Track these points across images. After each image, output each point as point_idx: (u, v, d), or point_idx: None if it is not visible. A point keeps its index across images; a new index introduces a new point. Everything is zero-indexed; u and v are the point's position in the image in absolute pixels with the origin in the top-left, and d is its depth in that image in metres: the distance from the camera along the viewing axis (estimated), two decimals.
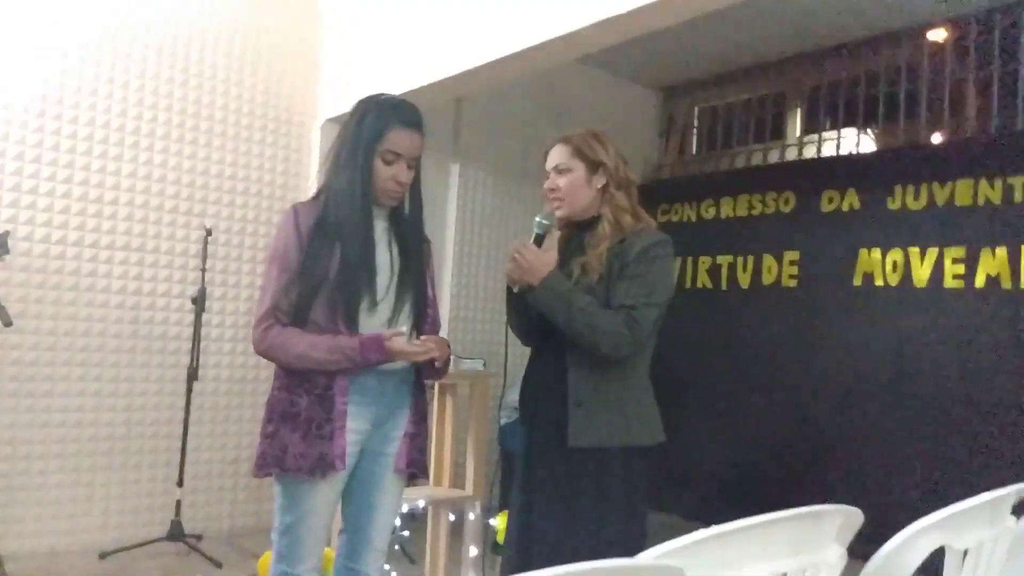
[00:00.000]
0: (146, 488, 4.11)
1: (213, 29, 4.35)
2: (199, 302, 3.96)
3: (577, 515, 2.10)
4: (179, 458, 3.97)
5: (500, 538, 3.31)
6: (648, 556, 0.86)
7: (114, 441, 4.02)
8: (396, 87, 3.86)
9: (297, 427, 1.92)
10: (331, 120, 4.50)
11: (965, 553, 1.25)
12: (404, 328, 1.98)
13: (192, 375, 3.98)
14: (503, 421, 4.44)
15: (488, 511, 3.54)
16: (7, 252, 2.90)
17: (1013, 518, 1.35)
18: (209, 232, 4.05)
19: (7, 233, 2.93)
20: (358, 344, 1.92)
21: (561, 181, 2.23)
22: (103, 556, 3.75)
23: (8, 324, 2.72)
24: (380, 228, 2.06)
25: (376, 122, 1.99)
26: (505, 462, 4.46)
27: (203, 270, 4.01)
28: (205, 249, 4.03)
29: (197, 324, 3.97)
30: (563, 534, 2.11)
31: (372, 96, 2.09)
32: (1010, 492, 1.32)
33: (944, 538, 1.18)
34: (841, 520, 1.07)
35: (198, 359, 3.98)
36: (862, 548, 1.16)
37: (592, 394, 2.10)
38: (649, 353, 2.23)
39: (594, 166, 2.23)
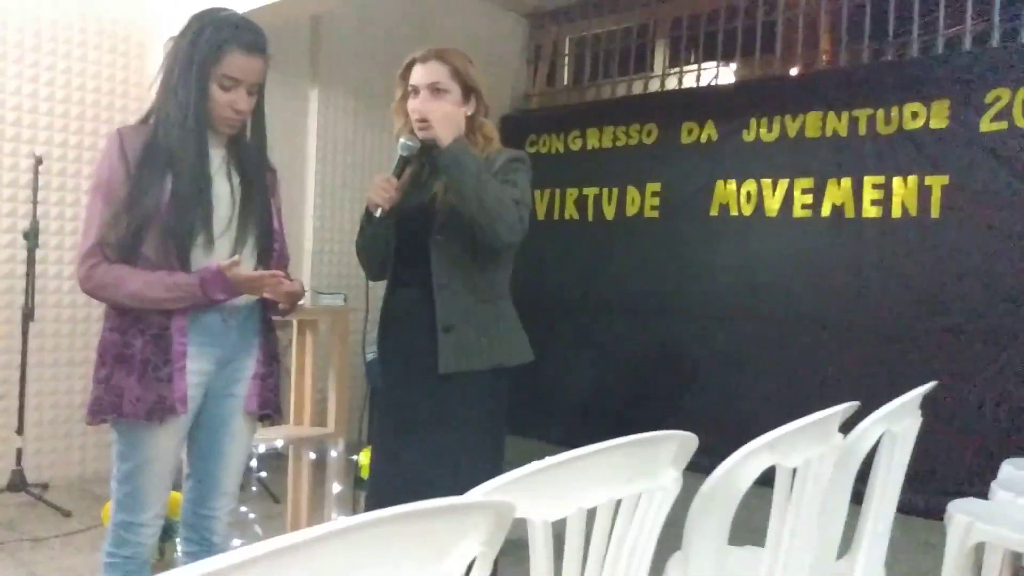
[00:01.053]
0: None
1: None
2: (31, 237, 3.65)
3: (441, 441, 2.09)
4: (17, 404, 3.71)
5: (364, 473, 3.28)
6: (478, 492, 0.83)
7: None
8: (247, 3, 3.62)
9: (132, 370, 1.79)
10: (174, 38, 4.18)
11: (795, 472, 1.31)
12: (240, 259, 1.84)
13: (28, 315, 3.70)
14: (370, 356, 4.37)
15: (351, 448, 3.50)
16: None
17: (840, 435, 1.42)
18: (40, 160, 3.71)
19: None
20: (198, 280, 1.78)
21: (434, 104, 2.09)
22: None
23: None
24: (218, 157, 1.90)
25: (212, 43, 1.81)
26: (373, 398, 4.42)
27: (34, 202, 3.69)
28: (36, 179, 3.70)
29: (30, 261, 3.67)
30: (427, 463, 2.10)
31: (209, 11, 1.89)
32: (837, 411, 1.38)
33: (774, 458, 1.23)
34: (676, 446, 1.09)
35: (34, 298, 3.70)
36: (712, 466, 1.20)
37: (460, 318, 2.07)
38: (508, 272, 2.22)
39: (468, 92, 2.14)
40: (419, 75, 2.11)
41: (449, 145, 1.99)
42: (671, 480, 1.11)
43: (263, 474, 3.78)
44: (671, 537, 1.19)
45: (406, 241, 2.15)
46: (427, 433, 2.11)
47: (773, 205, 4.63)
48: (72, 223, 4.09)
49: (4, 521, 3.50)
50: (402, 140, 2.11)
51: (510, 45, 6.06)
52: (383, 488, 2.22)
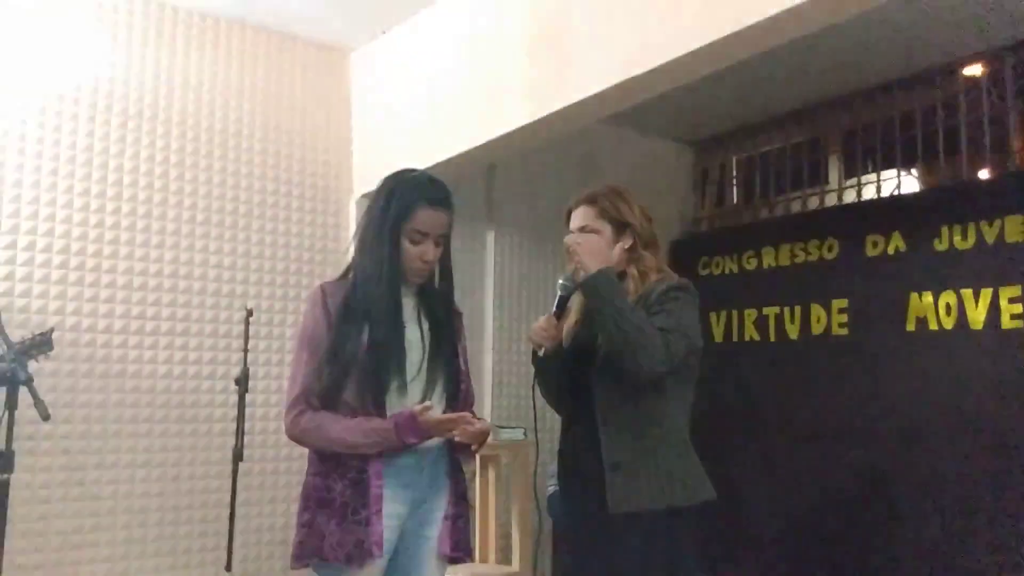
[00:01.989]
0: (196, 573, 4.08)
1: (247, 109, 4.46)
2: (242, 382, 3.95)
3: None
4: (227, 541, 3.93)
5: None
6: None
7: (163, 526, 4.02)
8: (428, 158, 3.90)
9: (333, 514, 1.88)
10: (365, 196, 4.55)
11: None
12: (432, 404, 1.93)
13: (238, 456, 3.95)
14: (550, 490, 4.33)
15: None
16: (51, 348, 2.94)
17: None
18: (250, 312, 4.07)
19: (51, 330, 2.99)
20: (392, 425, 1.88)
21: (582, 238, 2.18)
22: None
23: (46, 418, 2.74)
24: (409, 305, 2.04)
25: (402, 201, 1.98)
26: (556, 532, 4.34)
27: (245, 351, 4.02)
28: (247, 329, 4.04)
29: (241, 405, 3.95)
30: None
31: (398, 173, 2.08)
32: None
33: None
34: None
35: (243, 440, 3.95)
36: None
37: (628, 455, 2.04)
38: (685, 409, 2.16)
39: (621, 227, 2.20)
40: (573, 220, 2.25)
41: (592, 274, 2.03)
42: None
43: None
44: None
45: (572, 378, 2.18)
46: (609, 572, 2.04)
47: (978, 316, 4.27)
48: (277, 369, 4.42)
49: None
50: (560, 280, 2.19)
51: (676, 172, 6.13)
52: None
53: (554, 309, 2.18)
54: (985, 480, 4.12)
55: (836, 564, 1.17)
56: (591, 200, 2.24)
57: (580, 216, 2.24)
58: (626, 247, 2.20)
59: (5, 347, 2.77)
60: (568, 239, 2.20)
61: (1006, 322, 4.16)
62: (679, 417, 2.14)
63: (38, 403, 2.72)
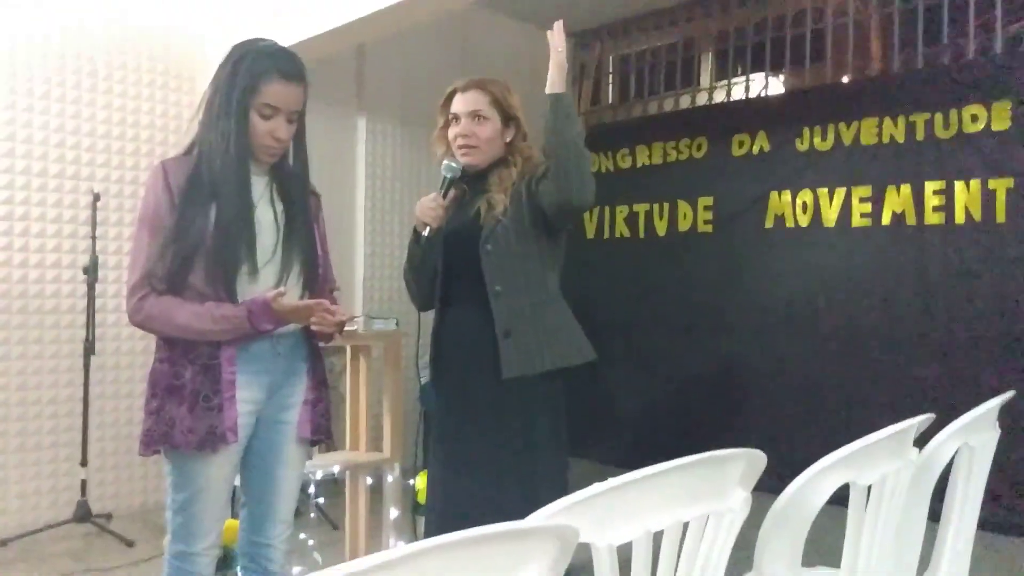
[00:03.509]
0: (47, 469, 3.90)
1: None
2: (91, 271, 3.74)
3: (507, 452, 2.10)
4: (81, 437, 3.78)
5: (421, 498, 3.25)
6: (540, 516, 0.79)
7: (9, 422, 3.80)
8: (292, 35, 3.67)
9: (183, 400, 1.79)
10: None
11: (869, 488, 1.24)
12: (287, 288, 1.84)
13: (89, 349, 3.77)
14: (423, 380, 4.36)
15: (408, 473, 3.47)
16: None
17: (916, 450, 1.34)
18: (97, 197, 3.81)
19: None
20: (245, 312, 1.78)
21: (479, 130, 2.21)
22: (4, 543, 3.55)
23: None
24: (260, 184, 1.91)
25: (251, 72, 1.81)
26: (427, 422, 4.40)
27: (93, 237, 3.78)
28: (94, 215, 3.79)
29: (90, 295, 3.75)
30: (492, 479, 2.10)
31: (247, 41, 1.90)
32: (912, 424, 1.31)
33: (848, 474, 1.17)
34: (744, 464, 1.03)
35: (94, 332, 3.77)
36: (780, 487, 1.14)
37: (519, 322, 2.11)
38: (558, 276, 2.26)
39: (508, 119, 2.24)
40: (460, 104, 2.24)
41: (566, 94, 2.07)
42: (740, 500, 1.05)
43: (321, 500, 3.77)
44: (740, 561, 1.14)
45: (455, 258, 2.21)
46: (492, 446, 2.12)
47: (831, 215, 4.51)
48: (129, 257, 4.17)
49: (71, 552, 3.56)
50: (445, 162, 2.22)
51: None
52: (445, 511, 2.21)
53: (441, 190, 2.19)
54: (831, 365, 4.44)
55: (690, 444, 1.24)
56: (482, 86, 2.24)
57: (471, 99, 2.22)
58: (507, 139, 2.25)
59: None
60: (459, 128, 2.22)
61: (856, 220, 4.42)
62: (556, 283, 2.24)
63: None
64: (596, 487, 0.84)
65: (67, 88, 3.97)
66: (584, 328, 2.28)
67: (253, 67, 1.82)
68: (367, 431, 3.36)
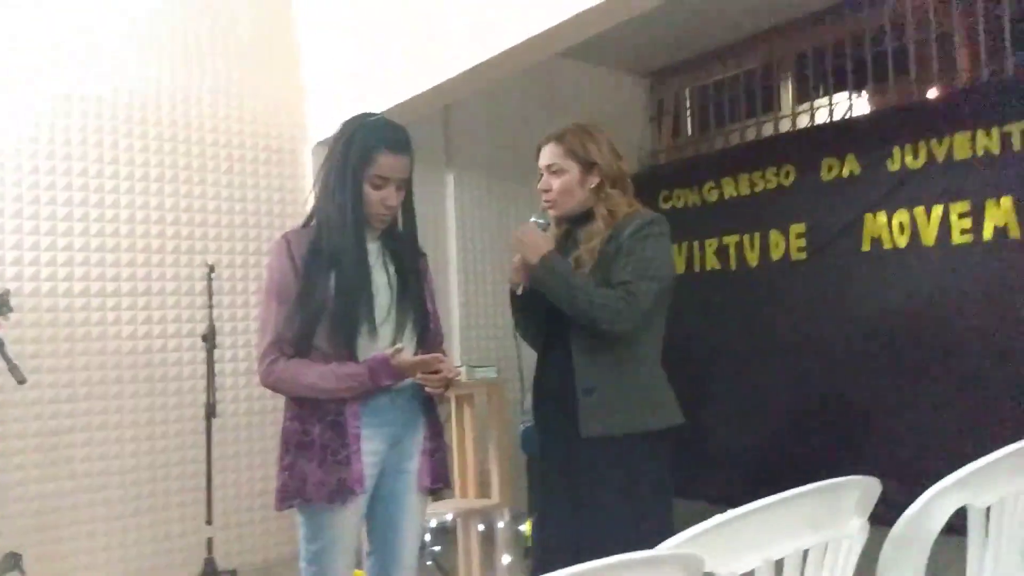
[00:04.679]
0: (176, 529, 4.11)
1: (195, 63, 4.36)
2: (209, 339, 3.96)
3: (595, 510, 2.09)
4: (205, 496, 3.97)
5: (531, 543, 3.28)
6: (665, 546, 0.84)
7: (140, 485, 4.03)
8: (383, 102, 3.86)
9: (313, 456, 1.92)
10: (321, 143, 4.50)
11: (988, 511, 1.23)
12: (403, 345, 1.96)
13: (210, 412, 3.98)
14: (522, 427, 4.42)
15: (518, 518, 3.52)
16: (10, 311, 2.90)
17: None
18: (212, 268, 4.05)
19: (7, 292, 2.93)
20: (366, 370, 1.91)
21: (554, 182, 2.23)
22: None
23: (22, 382, 2.73)
24: (374, 250, 2.05)
25: (362, 147, 1.97)
26: (530, 467, 4.44)
27: (210, 306, 4.01)
28: (210, 285, 4.04)
29: (209, 361, 3.97)
30: (581, 531, 2.09)
31: (356, 117, 2.07)
32: None
33: (965, 497, 1.16)
34: (859, 491, 1.05)
35: (214, 395, 3.98)
36: (893, 517, 1.14)
37: (600, 381, 2.10)
38: (657, 336, 2.22)
39: (587, 166, 2.22)
40: (541, 158, 2.28)
41: (535, 269, 2.12)
42: (857, 528, 1.07)
43: (437, 548, 3.83)
44: None
45: (549, 310, 2.20)
46: (581, 499, 2.11)
47: (930, 233, 4.38)
48: (243, 323, 4.41)
49: None
50: (532, 219, 2.23)
51: (632, 105, 6.13)
52: (545, 557, 2.23)
53: None
54: (939, 388, 4.29)
55: (797, 477, 1.23)
56: (558, 138, 2.25)
57: (547, 154, 2.26)
58: (592, 186, 2.22)
59: None
60: (539, 185, 2.26)
61: (956, 237, 4.29)
62: (651, 343, 2.20)
63: (12, 368, 2.70)
64: (717, 518, 0.89)
65: (179, 169, 4.27)
66: (678, 363, 2.26)
67: (364, 142, 1.97)
68: (475, 478, 3.44)
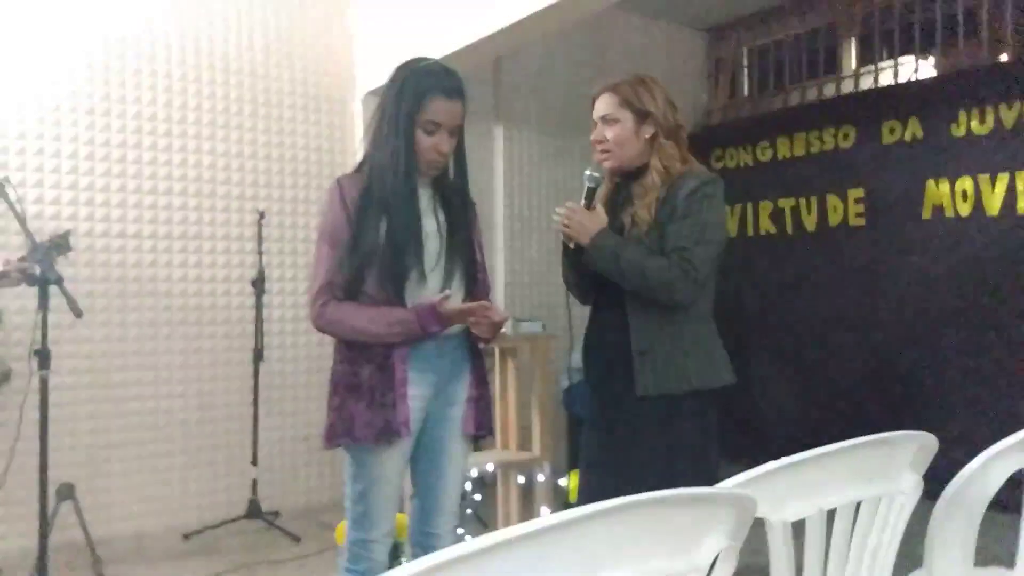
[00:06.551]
0: (223, 469, 4.21)
1: (246, 11, 4.37)
2: (258, 284, 4.02)
3: (648, 466, 2.08)
4: (251, 438, 4.06)
5: (572, 497, 3.30)
6: (722, 486, 0.83)
7: (189, 425, 4.13)
8: (432, 52, 3.80)
9: (361, 397, 1.94)
10: (371, 93, 4.48)
11: None
12: (451, 292, 1.96)
13: (258, 356, 4.05)
14: (566, 384, 4.42)
15: (558, 472, 3.53)
16: (69, 249, 2.96)
17: None
18: (262, 215, 4.09)
19: (68, 232, 3.00)
20: (415, 316, 1.91)
21: (608, 133, 2.18)
22: (187, 536, 3.87)
23: (79, 315, 2.80)
24: (425, 196, 2.04)
25: (415, 92, 1.95)
26: (572, 424, 4.45)
27: (259, 252, 4.06)
28: (260, 232, 4.08)
29: (258, 306, 4.03)
30: (635, 487, 2.08)
31: (409, 63, 2.04)
32: None
33: (1023, 460, 1.12)
34: (915, 447, 1.02)
35: (262, 340, 4.05)
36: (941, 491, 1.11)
37: (655, 341, 2.08)
38: (710, 294, 2.18)
39: (642, 116, 2.16)
40: (596, 109, 2.22)
41: (589, 252, 2.11)
42: (912, 483, 1.04)
43: (477, 497, 3.86)
44: (909, 558, 1.11)
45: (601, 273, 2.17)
46: (636, 455, 2.10)
47: (994, 203, 4.23)
48: (291, 270, 4.46)
49: (245, 546, 3.82)
50: (587, 172, 2.17)
51: (689, 61, 5.99)
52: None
53: (583, 201, 2.17)
54: (997, 363, 4.18)
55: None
56: (613, 88, 2.19)
57: (602, 104, 2.21)
58: (647, 136, 2.16)
59: (32, 247, 2.80)
60: (593, 135, 2.21)
61: (1022, 207, 4.13)
62: (704, 302, 2.16)
63: (70, 301, 2.77)
64: (772, 464, 0.87)
65: (231, 115, 4.29)
66: (730, 327, 2.22)
67: (417, 86, 1.94)
68: (517, 431, 3.45)
